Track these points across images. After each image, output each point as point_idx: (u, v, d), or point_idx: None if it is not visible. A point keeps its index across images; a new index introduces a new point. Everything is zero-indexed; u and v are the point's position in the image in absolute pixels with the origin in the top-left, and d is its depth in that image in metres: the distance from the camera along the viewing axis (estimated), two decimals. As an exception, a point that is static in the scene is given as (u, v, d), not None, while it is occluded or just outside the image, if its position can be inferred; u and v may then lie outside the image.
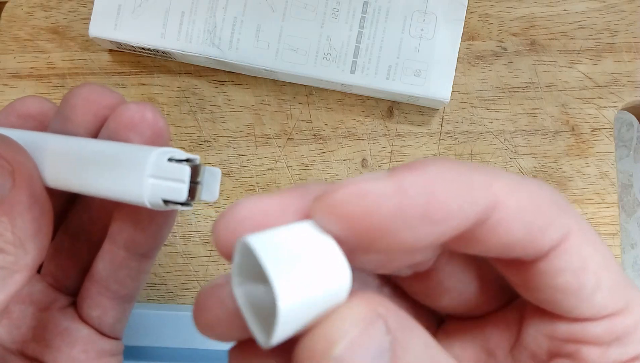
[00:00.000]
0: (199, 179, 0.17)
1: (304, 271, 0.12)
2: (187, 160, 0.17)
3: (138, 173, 0.16)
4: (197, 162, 0.17)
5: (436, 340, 0.13)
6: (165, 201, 0.16)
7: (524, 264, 0.14)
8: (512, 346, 0.15)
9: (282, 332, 0.11)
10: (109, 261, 0.21)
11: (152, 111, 0.18)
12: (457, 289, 0.16)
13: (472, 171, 0.13)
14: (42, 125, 0.20)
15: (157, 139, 0.19)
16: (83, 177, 0.17)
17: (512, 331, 0.16)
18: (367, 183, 0.12)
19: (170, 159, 0.16)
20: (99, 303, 0.21)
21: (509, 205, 0.13)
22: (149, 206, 0.17)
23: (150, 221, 0.20)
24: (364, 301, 0.12)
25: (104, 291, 0.21)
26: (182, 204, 0.16)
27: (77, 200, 0.22)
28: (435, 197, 0.12)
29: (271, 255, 0.11)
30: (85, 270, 0.22)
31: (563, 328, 0.14)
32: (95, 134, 0.19)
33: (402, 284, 0.16)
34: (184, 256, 0.34)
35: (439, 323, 0.17)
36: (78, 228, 0.22)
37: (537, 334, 0.15)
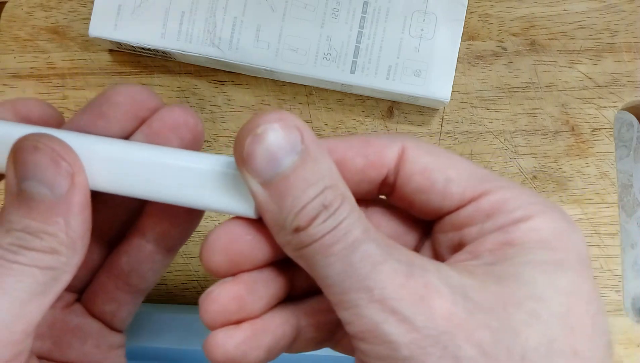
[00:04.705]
0: None
1: None
2: None
3: (243, 188, 0.17)
4: None
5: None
6: None
7: (393, 187, 0.19)
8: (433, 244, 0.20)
9: None
10: (134, 255, 0.21)
11: (193, 116, 0.20)
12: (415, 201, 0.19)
13: None
14: None
15: (196, 143, 0.20)
16: (156, 184, 0.18)
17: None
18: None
19: None
20: (115, 298, 0.22)
21: (339, 147, 0.18)
22: (255, 217, 0.18)
23: (186, 217, 0.21)
24: (287, 115, 0.16)
25: (122, 286, 0.22)
26: None
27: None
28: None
29: None
30: (94, 268, 0.22)
31: (446, 222, 0.18)
32: (129, 133, 0.20)
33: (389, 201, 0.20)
34: (184, 256, 0.34)
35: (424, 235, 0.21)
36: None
37: (438, 236, 0.19)
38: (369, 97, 0.35)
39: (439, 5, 0.33)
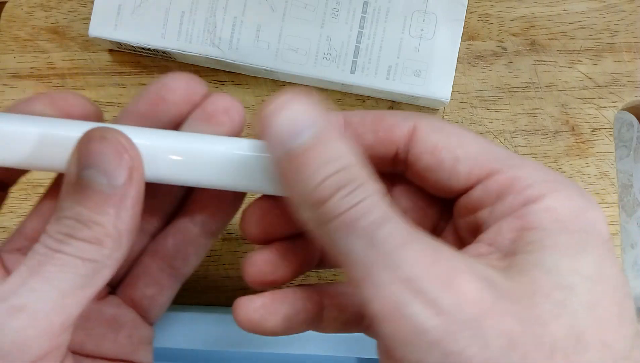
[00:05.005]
0: None
1: None
2: None
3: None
4: None
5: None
6: None
7: (405, 164, 0.19)
8: (454, 227, 0.20)
9: None
10: (180, 237, 0.22)
11: (238, 102, 0.21)
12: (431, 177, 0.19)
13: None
14: None
15: (242, 126, 0.21)
16: (214, 172, 0.19)
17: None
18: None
19: None
20: (158, 281, 0.22)
21: (352, 122, 0.19)
22: None
23: (232, 200, 0.22)
24: (310, 95, 0.16)
25: (166, 268, 0.22)
26: None
27: None
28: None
29: None
30: (131, 260, 0.22)
31: (461, 204, 0.18)
32: (184, 117, 0.21)
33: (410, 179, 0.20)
34: (184, 256, 0.34)
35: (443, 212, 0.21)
36: None
37: (458, 219, 0.19)
38: (369, 97, 0.35)
39: (439, 5, 0.33)
